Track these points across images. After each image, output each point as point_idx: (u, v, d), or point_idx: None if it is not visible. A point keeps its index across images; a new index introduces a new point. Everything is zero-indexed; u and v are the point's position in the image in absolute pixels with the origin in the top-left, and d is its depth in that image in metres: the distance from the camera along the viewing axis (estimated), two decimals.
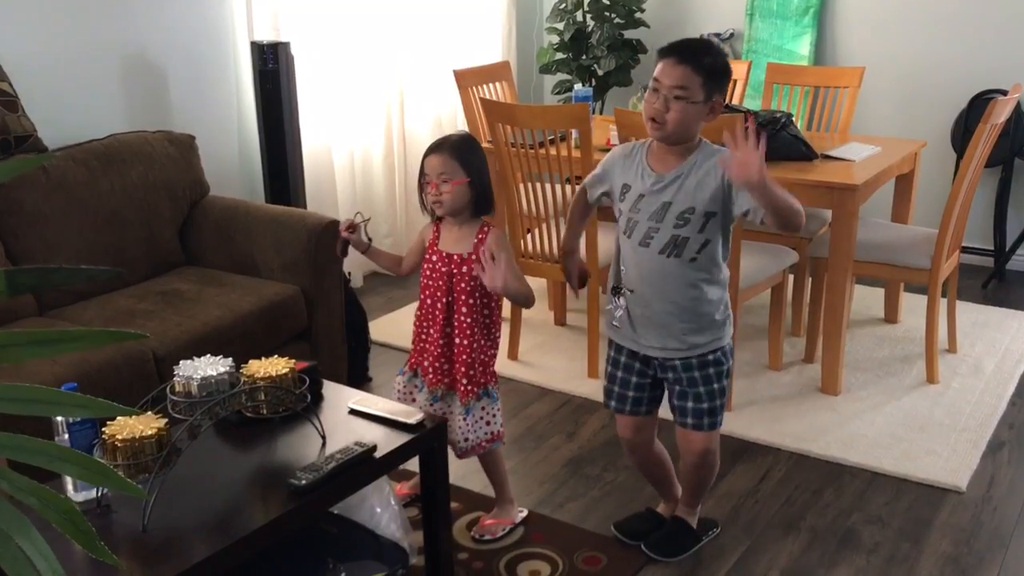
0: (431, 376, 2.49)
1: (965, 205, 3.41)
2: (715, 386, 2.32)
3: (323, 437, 2.11)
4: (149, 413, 1.93)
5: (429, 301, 2.47)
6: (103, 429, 1.87)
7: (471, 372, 2.45)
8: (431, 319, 2.48)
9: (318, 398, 2.30)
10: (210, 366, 2.07)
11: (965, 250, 4.03)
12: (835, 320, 3.32)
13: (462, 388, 2.46)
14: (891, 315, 4.02)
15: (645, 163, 2.24)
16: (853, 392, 3.40)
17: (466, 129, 4.19)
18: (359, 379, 3.50)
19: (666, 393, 2.40)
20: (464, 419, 2.46)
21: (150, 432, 1.85)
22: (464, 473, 2.85)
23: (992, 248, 4.66)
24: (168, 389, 2.06)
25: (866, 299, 4.17)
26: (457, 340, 2.45)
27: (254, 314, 2.99)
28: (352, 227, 2.51)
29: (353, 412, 2.24)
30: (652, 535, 2.55)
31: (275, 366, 2.13)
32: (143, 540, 1.76)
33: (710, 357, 2.30)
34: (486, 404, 2.49)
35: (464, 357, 2.44)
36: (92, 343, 0.98)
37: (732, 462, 2.94)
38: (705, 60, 2.13)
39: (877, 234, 3.56)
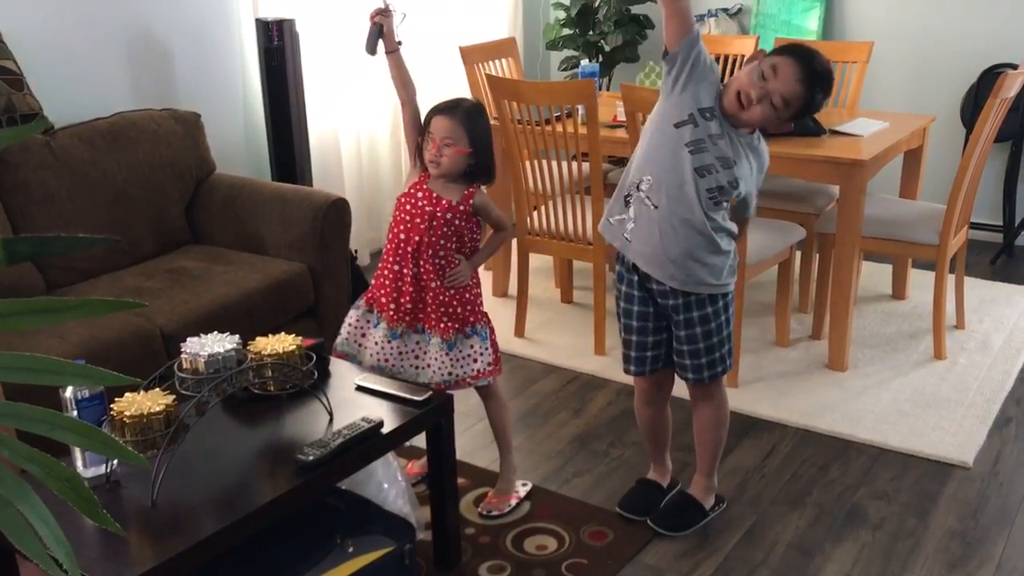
0: (391, 313, 2.45)
1: (974, 180, 3.39)
2: (712, 325, 2.34)
3: (330, 413, 2.12)
4: (157, 390, 1.94)
5: (404, 236, 2.41)
6: (111, 406, 1.89)
7: (450, 310, 2.43)
8: (400, 255, 2.42)
9: (325, 375, 2.31)
10: (217, 343, 2.09)
11: (974, 226, 4.01)
12: (842, 296, 3.31)
13: (442, 325, 2.42)
14: (899, 291, 4.01)
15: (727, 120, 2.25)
16: (860, 368, 3.40)
17: None
18: None
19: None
20: (447, 353, 2.42)
21: (158, 409, 1.87)
22: (471, 449, 2.87)
23: (1001, 224, 4.64)
24: (175, 366, 2.07)
25: (874, 275, 4.16)
26: (429, 280, 2.41)
27: (261, 291, 3.00)
28: (384, 11, 2.31)
29: (360, 388, 2.26)
30: (658, 509, 2.56)
31: (282, 343, 2.14)
32: (152, 515, 1.78)
33: (707, 297, 2.32)
34: (475, 343, 2.45)
35: (441, 297, 2.41)
36: (91, 311, 0.99)
37: (739, 438, 2.95)
38: (817, 97, 2.18)
39: (885, 210, 3.54)
